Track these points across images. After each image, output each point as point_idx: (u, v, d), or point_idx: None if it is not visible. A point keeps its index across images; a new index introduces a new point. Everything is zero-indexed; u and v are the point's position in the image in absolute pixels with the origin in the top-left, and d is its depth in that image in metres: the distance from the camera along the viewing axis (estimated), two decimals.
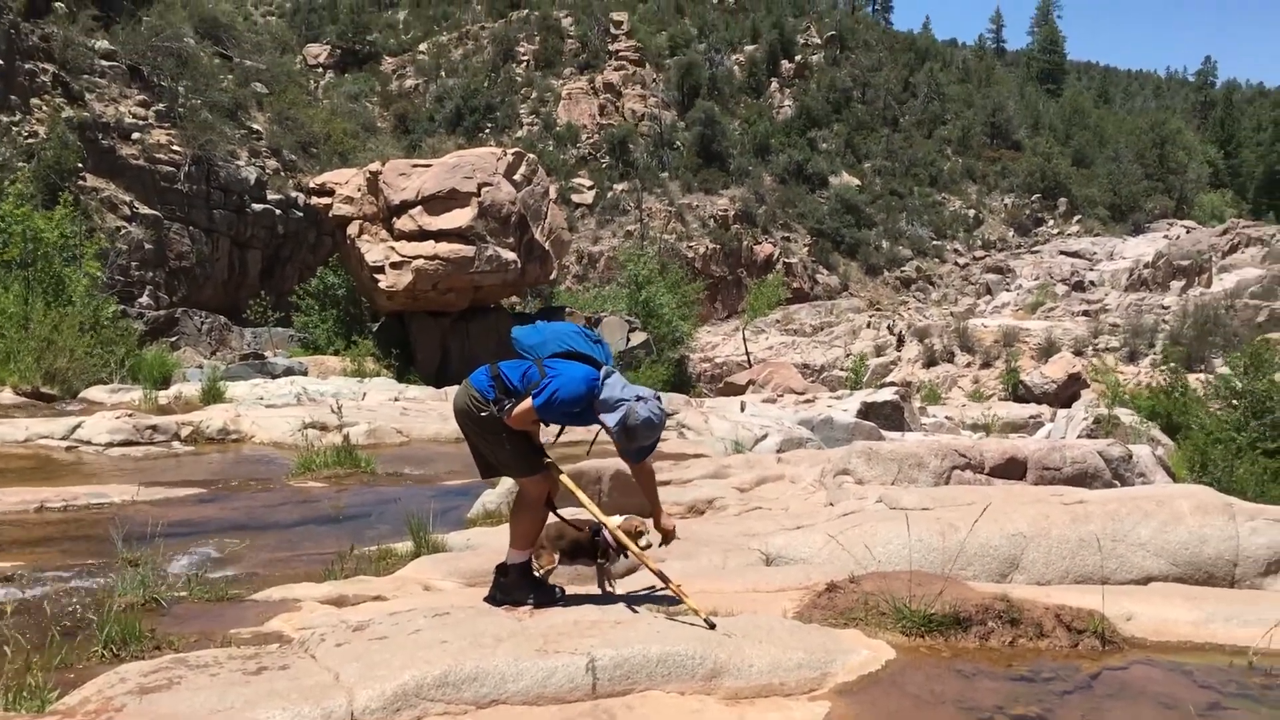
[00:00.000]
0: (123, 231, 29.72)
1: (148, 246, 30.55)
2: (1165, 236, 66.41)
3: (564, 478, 4.82)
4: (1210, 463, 17.72)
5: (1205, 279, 51.32)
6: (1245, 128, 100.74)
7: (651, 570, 4.71)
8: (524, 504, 4.89)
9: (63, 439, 11.67)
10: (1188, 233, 65.77)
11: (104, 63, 34.08)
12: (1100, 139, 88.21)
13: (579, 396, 4.56)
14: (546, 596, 4.82)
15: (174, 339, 28.80)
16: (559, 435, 5.05)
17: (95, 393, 15.84)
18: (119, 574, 5.62)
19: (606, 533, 4.86)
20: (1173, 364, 30.15)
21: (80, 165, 29.06)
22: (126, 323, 22.38)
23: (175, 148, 32.69)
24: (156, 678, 3.76)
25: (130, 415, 12.78)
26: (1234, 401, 21.76)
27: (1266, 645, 4.47)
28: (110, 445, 11.75)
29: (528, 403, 4.57)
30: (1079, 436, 20.41)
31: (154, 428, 12.48)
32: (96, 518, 7.74)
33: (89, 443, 11.73)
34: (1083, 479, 9.29)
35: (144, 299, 30.01)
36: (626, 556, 4.94)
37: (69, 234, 20.39)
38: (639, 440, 4.59)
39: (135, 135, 32.00)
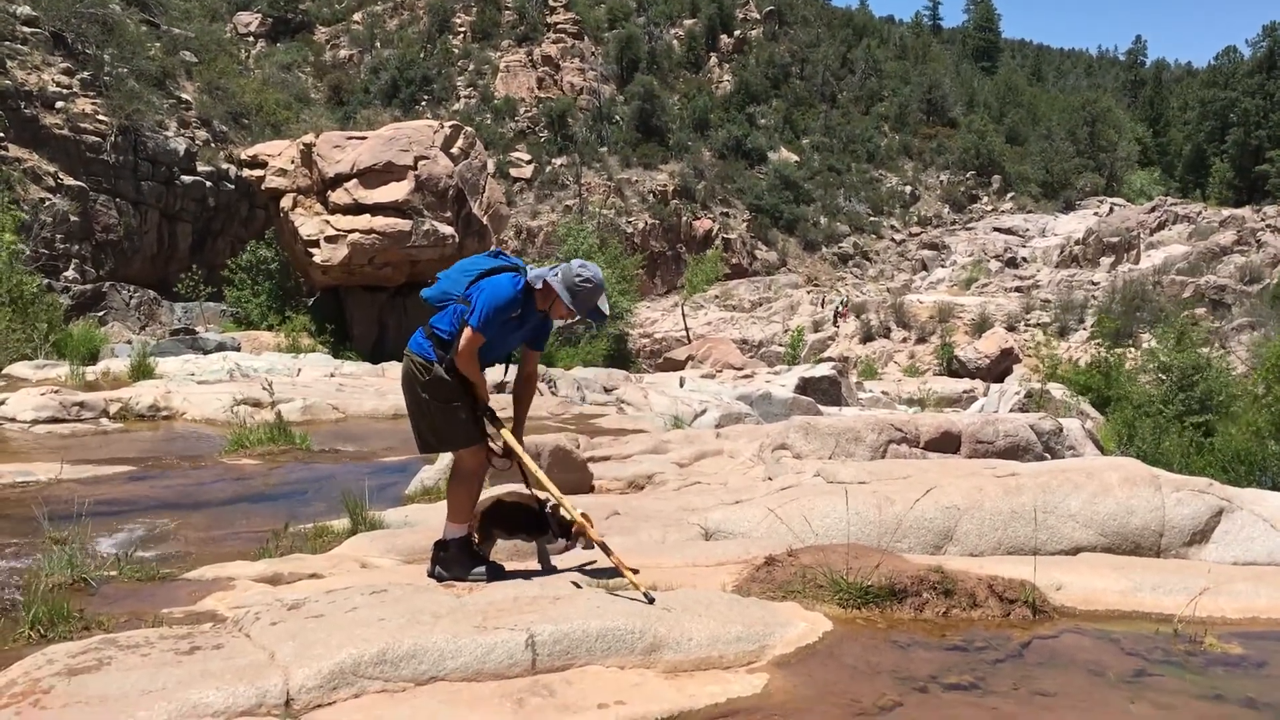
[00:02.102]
0: (47, 204, 28.92)
1: (73, 219, 29.76)
2: (1095, 214, 67.71)
3: (523, 455, 4.79)
4: (1137, 435, 18.16)
5: (1134, 255, 52.45)
6: (1173, 107, 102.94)
7: (596, 542, 4.70)
8: (460, 476, 4.86)
9: None
10: (1114, 211, 67.11)
11: (26, 29, 33.01)
12: (1033, 117, 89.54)
13: (511, 298, 4.57)
14: (493, 572, 4.80)
15: (101, 314, 28.14)
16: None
17: (19, 369, 15.46)
18: (45, 554, 5.49)
19: (549, 515, 4.85)
20: (1104, 339, 30.80)
21: (2, 135, 28.20)
22: (52, 297, 21.84)
23: (101, 117, 31.83)
24: (85, 659, 3.68)
25: (56, 392, 12.50)
26: (1161, 375, 22.30)
27: (1191, 613, 4.59)
28: (36, 422, 11.49)
29: (468, 330, 4.53)
30: (1011, 410, 20.78)
31: (81, 404, 12.22)
32: (21, 496, 7.56)
33: (13, 420, 11.47)
34: (1015, 452, 9.48)
35: (70, 273, 29.27)
36: (569, 537, 4.92)
37: None
38: (588, 301, 4.61)
39: (59, 104, 31.11)
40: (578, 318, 4.70)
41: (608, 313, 4.81)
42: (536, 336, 4.89)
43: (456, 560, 4.80)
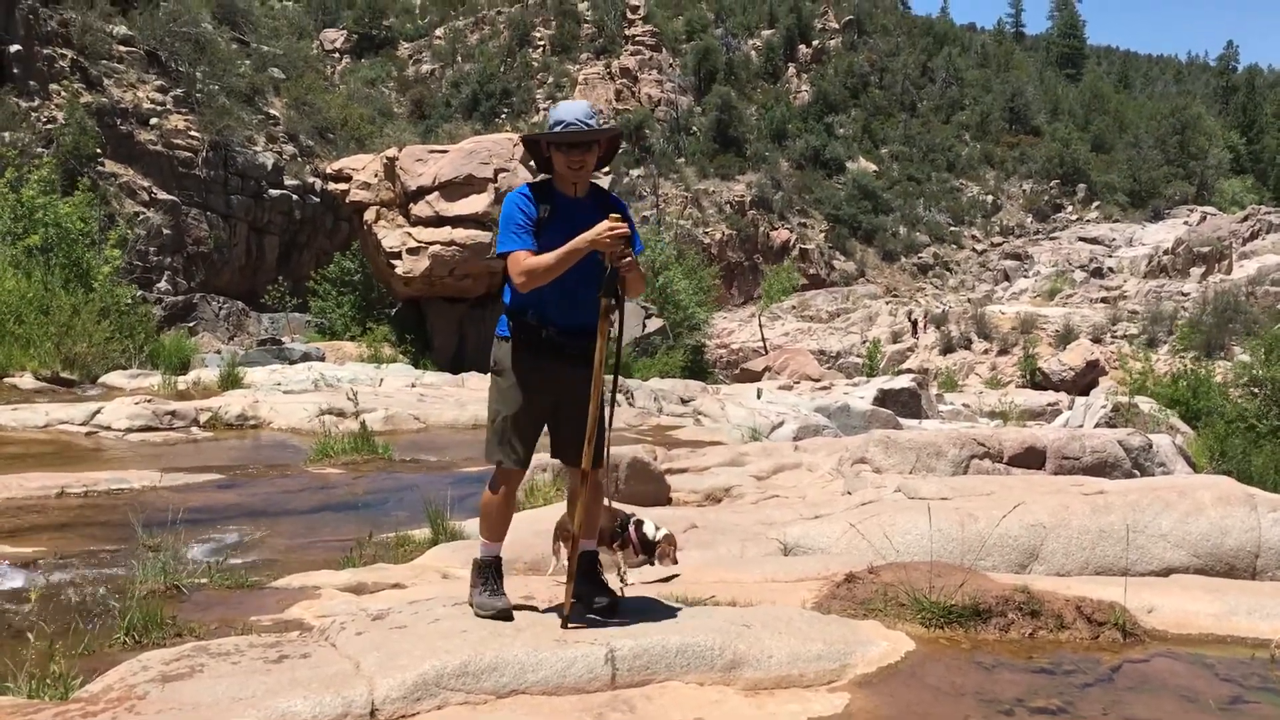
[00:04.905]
0: (141, 217, 29.83)
1: (166, 232, 30.67)
2: (1185, 223, 65.92)
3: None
4: (1229, 451, 17.61)
5: (1225, 266, 51.02)
6: (1267, 113, 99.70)
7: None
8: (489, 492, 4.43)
9: (83, 424, 11.73)
10: (1205, 220, 65.26)
11: (122, 48, 34.17)
12: (1120, 124, 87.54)
13: (518, 198, 4.41)
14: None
15: (192, 324, 28.95)
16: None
17: (114, 378, 15.93)
18: (140, 560, 5.62)
19: (633, 530, 4.85)
20: (1192, 351, 29.96)
21: (99, 151, 29.17)
22: (145, 308, 22.46)
23: (193, 133, 32.79)
24: (178, 665, 3.77)
25: (150, 401, 12.85)
26: (1253, 389, 21.60)
27: None
28: (130, 430, 11.81)
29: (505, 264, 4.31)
30: (1098, 425, 20.30)
31: (173, 413, 12.55)
32: (117, 503, 7.77)
33: (109, 428, 11.79)
34: (1102, 468, 9.25)
35: (162, 284, 30.15)
36: (651, 556, 4.90)
37: (88, 219, 20.47)
38: (566, 114, 4.30)
39: (153, 121, 32.11)
40: (582, 130, 4.22)
41: (593, 125, 4.30)
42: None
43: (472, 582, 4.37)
